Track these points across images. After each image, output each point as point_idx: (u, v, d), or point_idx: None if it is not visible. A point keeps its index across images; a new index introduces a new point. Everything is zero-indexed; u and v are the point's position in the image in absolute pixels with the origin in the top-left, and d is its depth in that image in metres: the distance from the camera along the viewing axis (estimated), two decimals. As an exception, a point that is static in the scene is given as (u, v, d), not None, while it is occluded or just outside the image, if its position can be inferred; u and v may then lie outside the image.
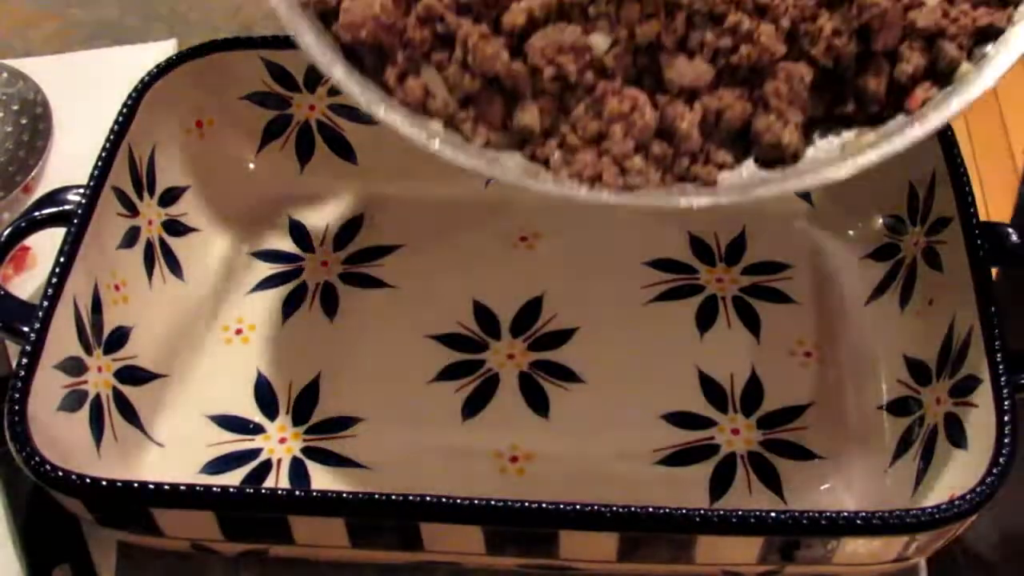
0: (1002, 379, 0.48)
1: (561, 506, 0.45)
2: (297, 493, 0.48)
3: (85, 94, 0.70)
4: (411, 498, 0.45)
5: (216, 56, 0.61)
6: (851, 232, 0.61)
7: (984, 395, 0.48)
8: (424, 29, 0.48)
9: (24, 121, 0.68)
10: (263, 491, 0.47)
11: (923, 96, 0.47)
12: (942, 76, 0.47)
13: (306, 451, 0.55)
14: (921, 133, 0.45)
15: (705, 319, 0.60)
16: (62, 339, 0.51)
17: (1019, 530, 0.54)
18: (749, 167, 0.48)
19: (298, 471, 0.55)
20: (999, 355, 0.48)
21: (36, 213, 0.55)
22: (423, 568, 0.52)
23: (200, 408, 0.57)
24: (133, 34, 0.76)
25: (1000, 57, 0.46)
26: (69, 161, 0.67)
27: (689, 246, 0.63)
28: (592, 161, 0.47)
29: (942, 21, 0.47)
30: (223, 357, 0.59)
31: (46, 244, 0.57)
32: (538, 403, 0.57)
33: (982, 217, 0.54)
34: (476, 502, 0.45)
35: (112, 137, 0.57)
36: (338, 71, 0.47)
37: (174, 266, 0.60)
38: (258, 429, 0.56)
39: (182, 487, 0.46)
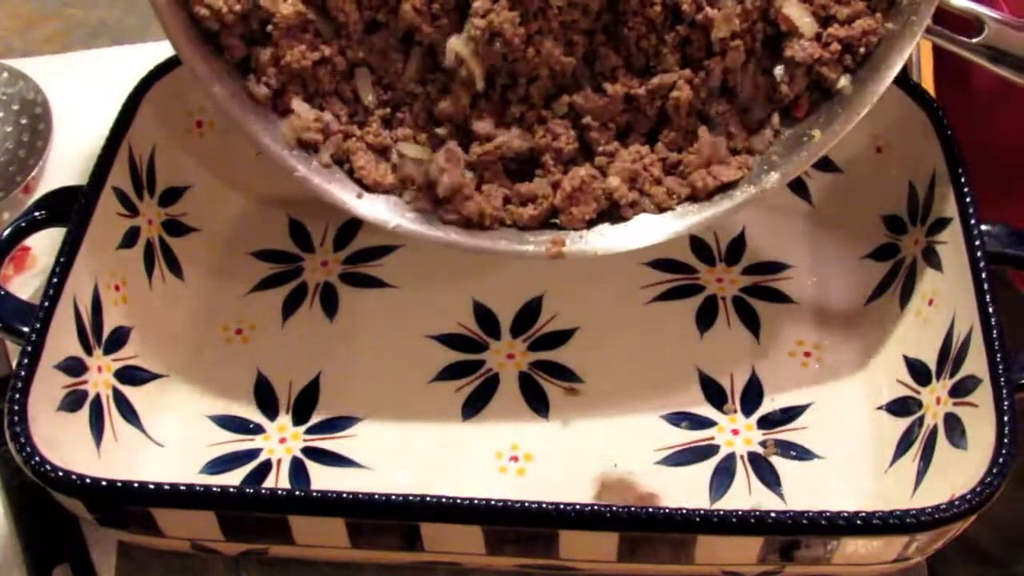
0: (1002, 379, 0.48)
1: (561, 506, 0.45)
2: (297, 493, 0.49)
3: (85, 94, 0.70)
4: (411, 498, 0.45)
5: (216, 56, 0.61)
6: (851, 232, 0.61)
7: (984, 395, 0.48)
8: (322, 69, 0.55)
9: (24, 121, 0.68)
10: (263, 491, 0.47)
11: (807, 104, 0.54)
12: (823, 90, 0.54)
13: (306, 451, 0.55)
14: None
15: (705, 319, 0.60)
16: (62, 339, 0.51)
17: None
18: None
19: (298, 471, 0.55)
20: (999, 355, 0.48)
21: (36, 213, 0.55)
22: (423, 568, 0.52)
23: (200, 408, 0.57)
24: (133, 34, 0.76)
25: (870, 85, 0.53)
26: (69, 161, 0.67)
27: (689, 246, 0.63)
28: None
29: (816, 51, 0.52)
30: (223, 357, 0.59)
31: (46, 244, 0.57)
32: (538, 403, 0.57)
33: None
34: (476, 502, 0.45)
35: (112, 137, 0.57)
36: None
37: (174, 266, 0.60)
38: (258, 429, 0.56)
39: (182, 487, 0.46)
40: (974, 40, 0.53)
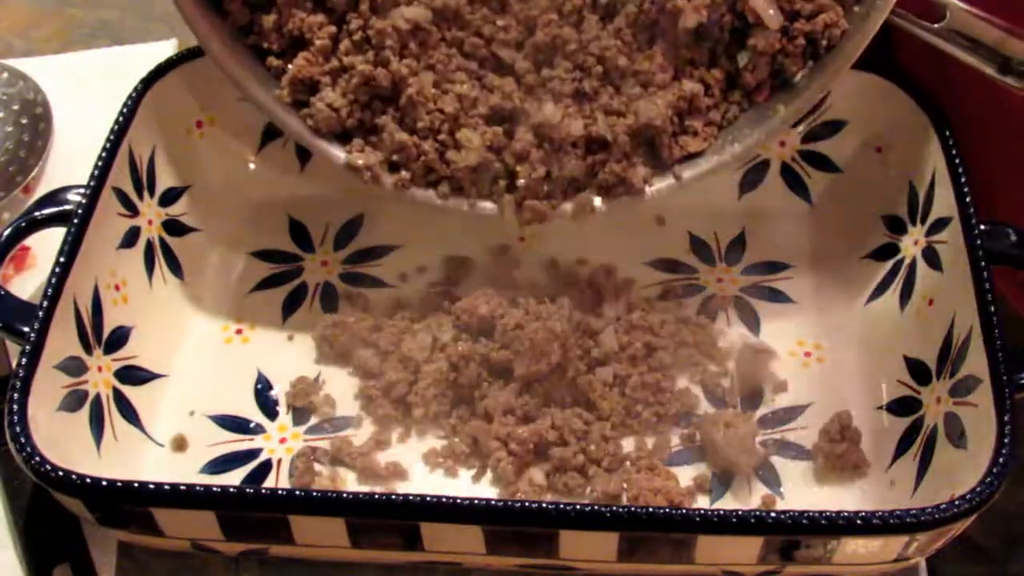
0: (1002, 379, 0.48)
1: (561, 506, 0.45)
2: (297, 493, 0.48)
3: (85, 94, 0.70)
4: (411, 498, 0.45)
5: (216, 56, 0.61)
6: (851, 232, 0.61)
7: (984, 395, 0.48)
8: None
9: (24, 121, 0.68)
10: (263, 491, 0.47)
11: (768, 92, 0.56)
12: (784, 79, 0.55)
13: (306, 451, 0.55)
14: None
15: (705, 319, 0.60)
16: (62, 339, 0.51)
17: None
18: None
19: (298, 471, 0.55)
20: (999, 355, 0.48)
21: (36, 213, 0.55)
22: (423, 568, 0.52)
23: (200, 408, 0.57)
24: (133, 34, 0.76)
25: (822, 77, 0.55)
26: (69, 161, 0.67)
27: (689, 246, 0.63)
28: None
29: (780, 43, 0.54)
30: (223, 357, 0.59)
31: (46, 244, 0.57)
32: (538, 403, 0.57)
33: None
34: (476, 502, 0.45)
35: (112, 137, 0.57)
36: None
37: (174, 266, 0.60)
38: (258, 429, 0.56)
39: (182, 487, 0.46)
40: (937, 25, 0.54)
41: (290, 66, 0.56)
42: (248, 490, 0.47)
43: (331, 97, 0.56)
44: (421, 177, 0.57)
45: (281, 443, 0.56)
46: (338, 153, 0.57)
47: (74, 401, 0.52)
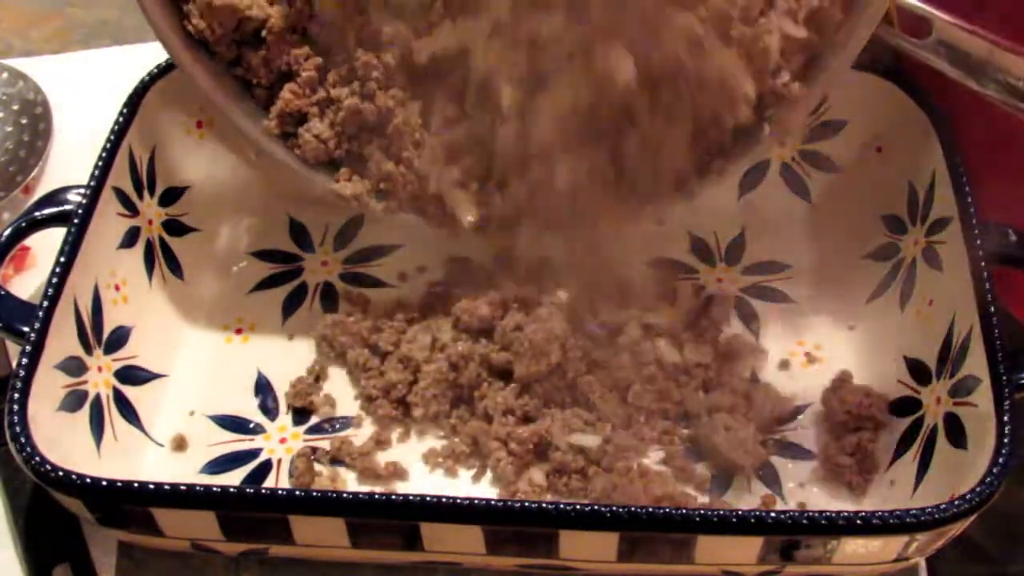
0: (1002, 379, 0.48)
1: (561, 506, 0.45)
2: (297, 493, 0.48)
3: (85, 94, 0.70)
4: (411, 498, 0.45)
5: (216, 56, 0.61)
6: (851, 232, 0.61)
7: (984, 395, 0.48)
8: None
9: (24, 121, 0.68)
10: (263, 491, 0.47)
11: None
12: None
13: (306, 451, 0.55)
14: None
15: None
16: (62, 339, 0.51)
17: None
18: None
19: (298, 471, 0.55)
20: (999, 355, 0.48)
21: (36, 213, 0.55)
22: (423, 568, 0.52)
23: (200, 408, 0.57)
24: (133, 34, 0.76)
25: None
26: (69, 161, 0.67)
27: (689, 246, 0.63)
28: None
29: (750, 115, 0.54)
30: (223, 357, 0.59)
31: (46, 244, 0.57)
32: (538, 403, 0.57)
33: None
34: (476, 502, 0.45)
35: (112, 137, 0.57)
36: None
37: (174, 266, 0.60)
38: (258, 429, 0.56)
39: (182, 487, 0.46)
40: (922, 41, 0.54)
41: (278, 100, 0.56)
42: (248, 490, 0.47)
43: (319, 128, 0.56)
44: (408, 203, 0.57)
45: (281, 443, 0.56)
46: (326, 182, 0.57)
47: (74, 401, 0.52)
